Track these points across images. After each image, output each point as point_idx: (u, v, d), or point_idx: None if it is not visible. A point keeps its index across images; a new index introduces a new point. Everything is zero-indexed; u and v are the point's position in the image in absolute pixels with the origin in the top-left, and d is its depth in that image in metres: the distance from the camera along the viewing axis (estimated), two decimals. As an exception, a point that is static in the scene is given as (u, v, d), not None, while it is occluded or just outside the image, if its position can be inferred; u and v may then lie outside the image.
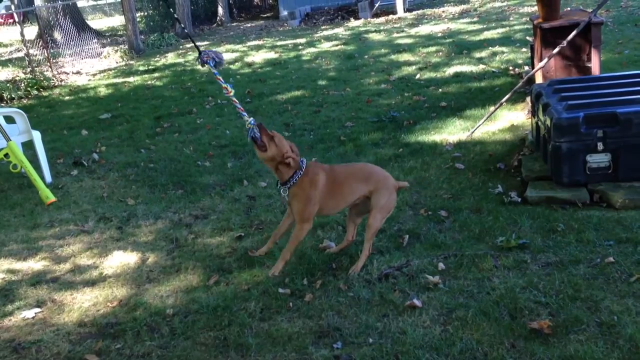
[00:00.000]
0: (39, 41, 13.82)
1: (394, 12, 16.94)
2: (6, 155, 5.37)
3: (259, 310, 3.37)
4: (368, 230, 3.67)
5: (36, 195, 5.38)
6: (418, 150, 5.71)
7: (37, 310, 3.56)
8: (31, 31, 16.25)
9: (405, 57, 10.36)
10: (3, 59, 14.54)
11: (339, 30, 15.00)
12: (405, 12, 16.96)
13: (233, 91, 3.74)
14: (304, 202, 3.56)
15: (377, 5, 17.60)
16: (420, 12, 16.81)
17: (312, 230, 4.27)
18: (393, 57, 10.48)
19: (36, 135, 5.84)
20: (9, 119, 5.87)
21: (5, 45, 13.14)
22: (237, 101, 3.74)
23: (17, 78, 12.18)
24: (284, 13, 19.24)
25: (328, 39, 13.72)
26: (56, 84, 12.00)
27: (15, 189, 5.75)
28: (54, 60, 13.48)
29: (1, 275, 4.02)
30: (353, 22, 16.45)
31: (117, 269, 4.02)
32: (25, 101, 10.52)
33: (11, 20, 24.23)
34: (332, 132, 6.65)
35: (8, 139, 5.37)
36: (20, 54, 15.09)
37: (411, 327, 3.03)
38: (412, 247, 3.88)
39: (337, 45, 12.63)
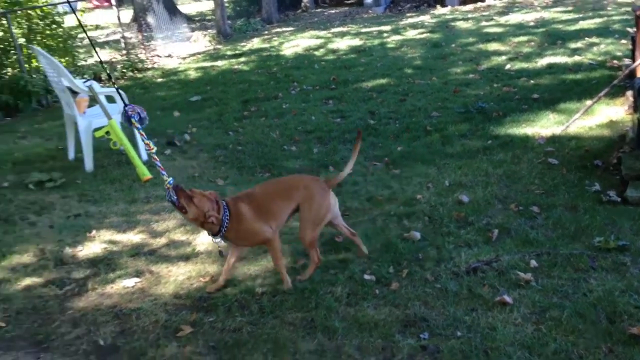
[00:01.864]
0: (134, 24, 14.39)
1: (483, 0, 16.50)
2: (107, 132, 5.66)
3: (345, 295, 3.42)
4: (303, 242, 3.57)
5: (133, 172, 5.63)
6: (508, 143, 5.57)
7: (137, 280, 3.76)
8: (125, 15, 16.93)
9: (495, 46, 10.08)
10: (100, 41, 15.23)
11: (425, 18, 14.75)
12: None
13: (155, 148, 3.66)
14: (252, 233, 3.44)
15: (465, -8, 17.18)
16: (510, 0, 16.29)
17: (398, 220, 4.29)
18: (481, 46, 10.22)
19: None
20: (110, 99, 6.16)
21: (102, 28, 13.72)
22: (157, 159, 3.62)
23: (114, 60, 12.75)
24: (369, 0, 19.12)
25: (414, 26, 13.53)
26: (149, 66, 12.47)
27: (114, 165, 6.05)
28: (147, 44, 13.99)
29: (104, 245, 4.27)
30: (439, 10, 16.12)
31: (208, 246, 4.17)
32: (121, 82, 11.00)
33: (106, 3, 25.20)
34: (418, 121, 6.59)
35: (109, 117, 5.64)
36: (116, 37, 15.75)
37: (501, 324, 2.99)
38: (502, 242, 3.81)
39: (422, 33, 12.44)
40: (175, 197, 3.32)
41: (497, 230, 3.96)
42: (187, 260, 4.00)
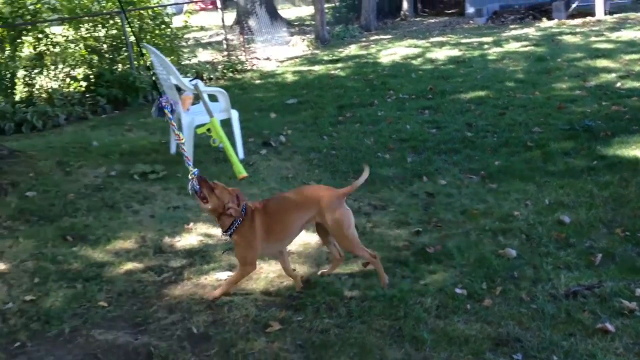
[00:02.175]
0: (236, 27, 14.86)
1: (592, 14, 15.77)
2: (208, 130, 5.88)
3: (434, 307, 3.36)
4: (348, 251, 3.69)
5: (230, 169, 5.81)
6: (615, 164, 5.29)
7: (229, 273, 3.87)
8: (229, 17, 17.53)
9: (604, 62, 9.61)
10: (204, 41, 15.86)
11: (529, 31, 14.30)
12: (605, 14, 15.71)
13: (184, 139, 3.70)
14: (245, 248, 3.48)
15: (574, 5, 16.51)
16: (622, 15, 15.47)
17: (493, 235, 4.18)
18: (589, 62, 9.78)
19: (234, 114, 6.30)
20: (213, 97, 6.39)
21: (206, 29, 14.29)
22: (186, 150, 3.73)
23: (215, 60, 13.23)
24: (471, 10, 18.77)
25: (517, 38, 13.15)
26: (248, 68, 12.84)
27: (211, 162, 6.26)
28: (248, 46, 14.42)
29: (200, 238, 4.43)
30: (545, 23, 15.58)
31: (299, 246, 4.23)
32: (221, 82, 11.38)
33: (211, 6, 26.14)
34: (518, 136, 6.39)
35: (211, 115, 5.86)
36: (219, 38, 16.34)
37: (602, 352, 2.84)
38: (606, 268, 3.62)
39: (526, 46, 12.06)
40: (199, 187, 3.43)
41: (600, 254, 3.77)
42: (277, 259, 4.07)
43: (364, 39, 16.17)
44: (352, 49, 14.24)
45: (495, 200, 4.80)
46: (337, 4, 21.72)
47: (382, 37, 16.14)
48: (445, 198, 4.96)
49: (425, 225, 4.47)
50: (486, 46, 12.60)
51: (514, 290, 3.47)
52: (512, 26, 15.84)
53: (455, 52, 12.17)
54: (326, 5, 18.04)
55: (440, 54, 12.12)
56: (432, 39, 14.59)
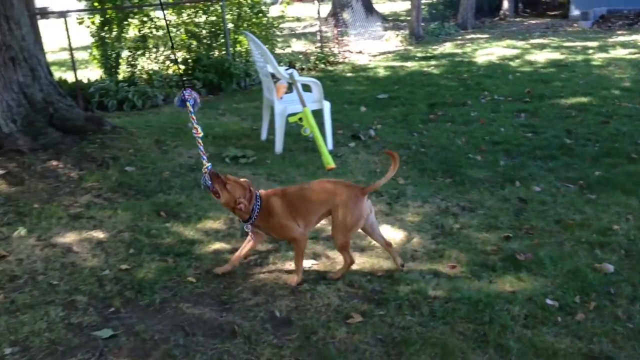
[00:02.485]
0: (331, 19, 14.93)
1: None
2: (300, 119, 5.96)
3: (522, 316, 3.25)
4: (335, 245, 3.67)
5: (318, 159, 5.87)
6: None
7: (313, 262, 3.90)
8: (324, 9, 17.63)
9: None
10: (298, 32, 16.04)
11: (638, 37, 13.53)
12: None
13: (202, 133, 3.69)
14: (281, 226, 3.55)
15: (689, 13, 15.47)
16: None
17: (590, 248, 3.99)
18: None
19: (326, 106, 6.34)
20: (306, 87, 6.45)
21: (301, 20, 14.46)
22: (201, 143, 3.70)
23: (308, 51, 13.36)
24: (576, 12, 17.99)
25: (624, 45, 12.48)
26: (340, 60, 12.89)
27: (300, 151, 6.33)
28: (341, 38, 14.46)
29: (286, 224, 4.48)
30: (656, 30, 14.73)
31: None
32: (312, 73, 11.49)
33: (307, -2, 26.33)
34: (622, 147, 6.06)
35: (304, 105, 5.93)
36: (312, 29, 16.50)
37: None
38: None
39: (635, 53, 11.43)
40: (210, 182, 3.49)
41: None
42: (362, 252, 4.07)
43: (459, 38, 15.84)
44: (447, 47, 13.99)
45: (594, 212, 4.58)
46: (434, 0, 21.40)
47: (478, 36, 15.76)
48: (539, 205, 4.78)
49: (515, 231, 4.32)
50: (591, 51, 12.04)
51: (609, 307, 3.30)
52: (619, 32, 15.05)
53: (557, 56, 11.70)
54: (423, 1, 17.78)
55: (540, 57, 11.69)
56: (532, 41, 14.10)
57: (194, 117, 3.73)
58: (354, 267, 3.82)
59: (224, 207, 3.64)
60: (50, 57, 10.64)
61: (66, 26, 8.55)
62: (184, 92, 3.75)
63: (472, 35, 15.90)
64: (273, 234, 3.72)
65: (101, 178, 5.29)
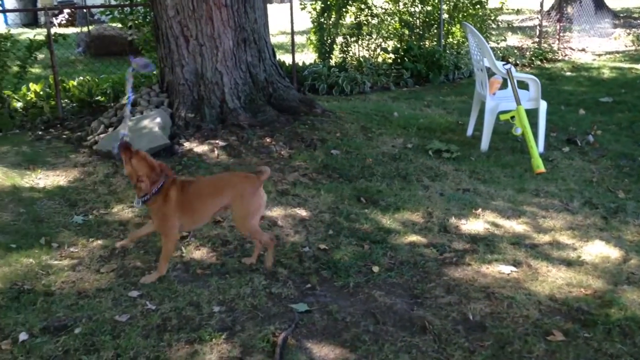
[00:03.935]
0: (554, 13, 13.97)
1: None
2: (512, 117, 5.66)
3: None
4: (244, 235, 3.87)
5: (527, 161, 5.55)
6: None
7: (513, 268, 3.70)
8: (547, 2, 16.55)
9: None
10: (515, 25, 15.26)
11: None
12: None
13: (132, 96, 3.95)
14: (160, 218, 3.56)
15: None
16: None
17: None
18: None
19: (542, 105, 5.94)
20: (521, 85, 6.10)
21: (519, 13, 13.69)
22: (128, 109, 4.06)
23: (524, 46, 12.67)
24: None
25: None
26: (559, 58, 12.03)
27: (507, 150, 6.04)
28: (563, 34, 13.48)
29: (486, 226, 4.31)
30: None
31: (595, 257, 3.85)
32: (527, 69, 10.88)
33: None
34: None
35: (519, 103, 5.62)
36: (531, 23, 15.59)
37: None
38: None
39: None
40: (118, 151, 3.53)
41: None
42: (569, 265, 3.76)
43: None
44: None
45: None
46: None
47: None
48: None
49: None
50: None
51: None
52: None
53: None
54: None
55: None
56: None
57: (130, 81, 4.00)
58: (558, 280, 3.56)
59: (128, 177, 3.75)
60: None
61: (291, 11, 9.06)
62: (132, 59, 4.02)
63: None
64: (154, 220, 3.65)
65: (308, 158, 5.54)
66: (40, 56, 8.31)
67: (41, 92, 7.76)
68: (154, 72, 6.83)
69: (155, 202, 3.52)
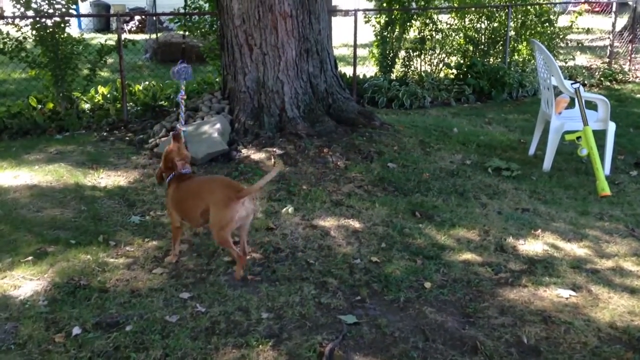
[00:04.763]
0: (626, 33, 13.49)
1: None
2: (578, 138, 5.47)
3: None
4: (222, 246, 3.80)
5: (592, 183, 5.34)
6: None
7: (572, 293, 3.55)
8: (620, 22, 16.01)
9: None
10: (585, 44, 14.80)
11: None
12: None
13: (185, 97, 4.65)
14: (167, 205, 3.90)
15: None
16: None
17: None
18: None
19: (611, 127, 5.72)
20: (589, 105, 5.89)
21: (589, 32, 13.30)
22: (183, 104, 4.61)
23: (593, 66, 12.27)
24: None
25: None
26: (630, 79, 11.59)
27: (571, 171, 5.83)
28: (634, 56, 12.98)
29: (545, 247, 4.17)
30: None
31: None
32: (595, 90, 10.53)
33: (597, 9, 24.34)
34: None
35: (586, 124, 5.43)
36: (601, 43, 15.11)
37: None
38: None
39: None
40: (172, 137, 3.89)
41: None
42: (632, 293, 3.58)
43: None
44: None
45: None
46: None
47: None
48: None
49: None
50: None
51: None
52: None
53: None
54: None
55: None
56: None
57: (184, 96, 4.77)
58: (620, 308, 3.39)
59: (164, 158, 3.87)
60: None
61: (355, 24, 9.07)
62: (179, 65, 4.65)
63: None
64: None
65: (364, 170, 5.51)
66: (110, 60, 8.64)
67: (108, 95, 8.05)
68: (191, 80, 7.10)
69: (167, 189, 3.86)
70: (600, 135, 5.70)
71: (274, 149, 5.78)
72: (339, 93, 6.67)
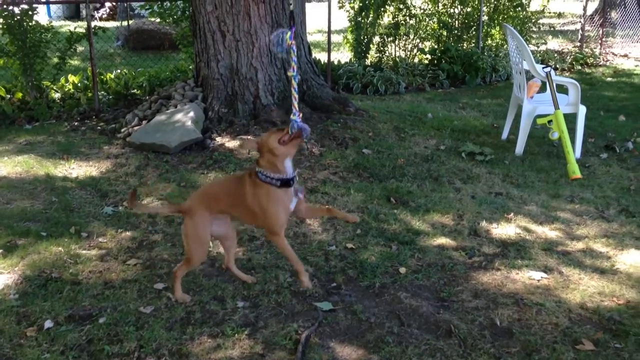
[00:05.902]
0: (597, 17, 13.65)
1: None
2: (549, 121, 5.53)
3: None
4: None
5: (563, 166, 5.42)
6: None
7: (543, 275, 3.60)
8: (591, 6, 16.19)
9: None
10: (557, 28, 14.93)
11: None
12: None
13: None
14: None
15: None
16: None
17: None
18: None
19: (582, 110, 5.79)
20: (560, 89, 5.96)
21: (561, 16, 13.41)
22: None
23: (565, 50, 12.41)
24: None
25: None
26: (601, 63, 11.75)
27: (543, 155, 5.90)
28: (605, 40, 13.16)
29: (518, 230, 4.22)
30: None
31: (629, 267, 3.72)
32: (567, 74, 10.65)
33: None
34: None
35: (557, 107, 5.49)
36: (573, 27, 15.26)
37: None
38: None
39: None
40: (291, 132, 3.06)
41: None
42: (602, 274, 3.65)
43: None
44: None
45: None
46: None
47: None
48: None
49: None
50: None
51: None
52: None
53: None
54: None
55: None
56: None
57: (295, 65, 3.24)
58: (590, 288, 3.45)
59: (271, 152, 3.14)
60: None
61: (329, 9, 9.02)
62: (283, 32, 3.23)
63: None
64: None
65: (339, 157, 5.51)
66: (80, 49, 8.49)
67: (79, 84, 7.91)
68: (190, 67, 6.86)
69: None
70: (571, 119, 5.78)
71: (248, 137, 5.75)
72: (313, 80, 6.65)
